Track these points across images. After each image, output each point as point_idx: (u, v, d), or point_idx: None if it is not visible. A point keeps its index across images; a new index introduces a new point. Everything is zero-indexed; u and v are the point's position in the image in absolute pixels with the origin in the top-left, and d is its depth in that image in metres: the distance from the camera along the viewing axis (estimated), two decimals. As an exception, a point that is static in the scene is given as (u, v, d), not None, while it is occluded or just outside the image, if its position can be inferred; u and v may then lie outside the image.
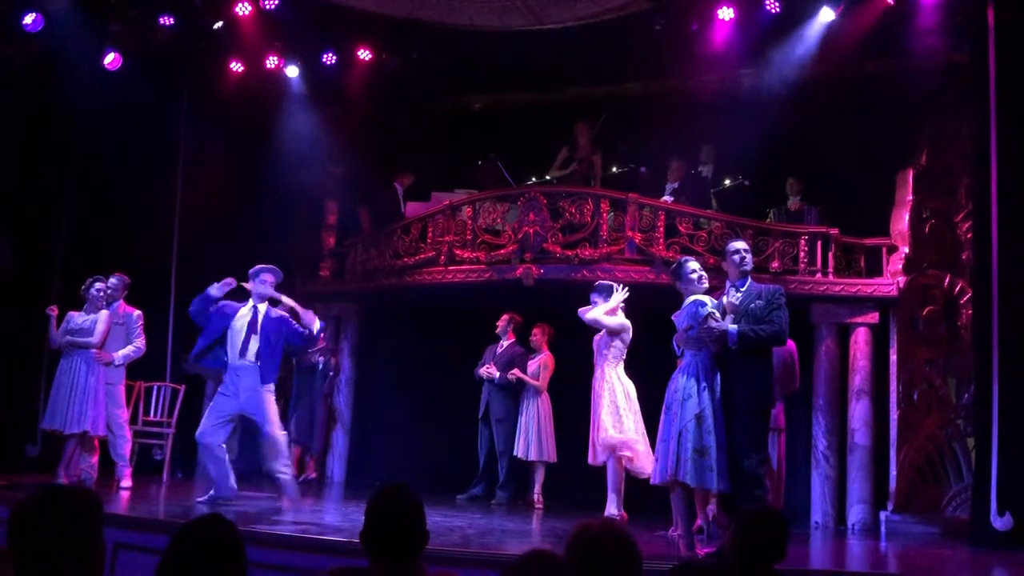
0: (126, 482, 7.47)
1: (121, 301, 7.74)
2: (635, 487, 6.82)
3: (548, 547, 2.35)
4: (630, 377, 7.00)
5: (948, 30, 7.80)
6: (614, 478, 6.76)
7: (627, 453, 6.69)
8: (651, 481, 5.47)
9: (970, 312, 7.63)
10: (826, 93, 8.57)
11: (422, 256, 8.79)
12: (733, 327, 5.30)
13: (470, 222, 8.68)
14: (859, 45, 8.16)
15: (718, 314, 5.38)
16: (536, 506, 8.14)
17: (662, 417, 5.46)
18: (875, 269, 8.05)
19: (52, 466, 7.40)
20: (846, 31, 8.09)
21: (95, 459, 7.32)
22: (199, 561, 2.22)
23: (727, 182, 8.99)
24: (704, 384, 5.29)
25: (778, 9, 8.13)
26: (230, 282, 6.63)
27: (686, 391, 5.30)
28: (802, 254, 7.93)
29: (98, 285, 7.43)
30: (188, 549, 2.24)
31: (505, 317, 8.60)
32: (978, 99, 7.12)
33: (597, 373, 6.94)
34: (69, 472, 7.25)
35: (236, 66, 9.72)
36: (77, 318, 7.36)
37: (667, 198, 8.87)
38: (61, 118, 9.04)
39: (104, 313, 7.38)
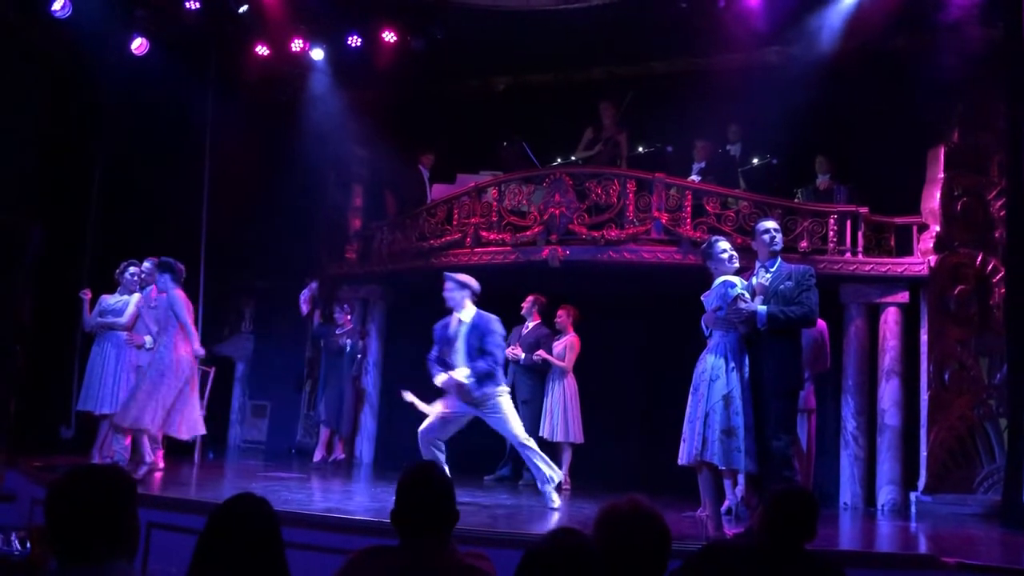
0: (158, 463, 7.56)
1: (154, 286, 7.81)
2: (665, 468, 6.78)
3: (575, 527, 2.35)
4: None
5: (980, 3, 7.64)
6: None
7: None
8: (678, 461, 5.45)
9: (1003, 291, 7.52)
10: (855, 70, 8.43)
11: (448, 238, 8.79)
12: (762, 308, 5.26)
13: (496, 204, 8.66)
14: (889, 20, 8.02)
15: (747, 295, 5.33)
16: (563, 487, 8.15)
17: (689, 398, 5.44)
18: (905, 248, 7.94)
19: (86, 448, 7.52)
20: (876, 5, 7.96)
21: (128, 440, 7.42)
22: (237, 538, 2.26)
23: (755, 161, 8.90)
24: (733, 365, 5.25)
25: (806, -16, 8.02)
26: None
27: (714, 372, 5.27)
28: (831, 233, 7.84)
29: (132, 269, 7.52)
30: (226, 526, 2.28)
31: (530, 298, 8.59)
32: (1011, 74, 6.99)
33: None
34: (103, 453, 7.36)
35: (262, 49, 9.76)
36: (109, 300, 7.45)
37: (694, 178, 8.81)
38: (89, 104, 9.13)
39: (135, 296, 7.46)
